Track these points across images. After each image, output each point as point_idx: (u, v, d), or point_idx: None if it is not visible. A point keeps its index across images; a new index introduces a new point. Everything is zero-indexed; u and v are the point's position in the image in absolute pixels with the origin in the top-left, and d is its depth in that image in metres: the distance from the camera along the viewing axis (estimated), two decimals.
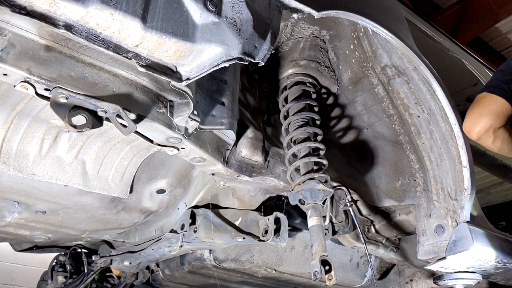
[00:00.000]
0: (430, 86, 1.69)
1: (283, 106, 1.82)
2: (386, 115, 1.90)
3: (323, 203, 1.60)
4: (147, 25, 1.09)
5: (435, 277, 2.12)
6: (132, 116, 1.24)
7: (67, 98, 1.15)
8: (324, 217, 1.62)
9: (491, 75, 2.77)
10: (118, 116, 1.20)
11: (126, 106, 1.22)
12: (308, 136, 1.70)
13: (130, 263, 2.27)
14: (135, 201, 1.84)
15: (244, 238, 1.82)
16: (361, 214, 2.02)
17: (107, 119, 1.23)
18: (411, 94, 1.75)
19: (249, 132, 1.61)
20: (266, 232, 1.79)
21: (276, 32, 1.37)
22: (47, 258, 2.81)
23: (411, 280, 2.65)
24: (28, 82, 1.11)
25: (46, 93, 1.15)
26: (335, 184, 1.82)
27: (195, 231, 1.80)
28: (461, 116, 1.70)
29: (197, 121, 1.35)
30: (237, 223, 1.87)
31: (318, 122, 1.79)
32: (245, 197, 1.85)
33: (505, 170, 3.39)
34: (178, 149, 1.44)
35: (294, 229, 2.12)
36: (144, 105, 1.26)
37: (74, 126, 1.18)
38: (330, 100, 2.01)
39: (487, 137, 1.69)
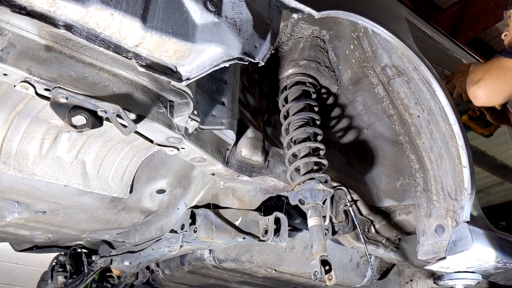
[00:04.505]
0: (430, 86, 1.68)
1: (283, 106, 1.82)
2: (386, 115, 1.90)
3: (323, 203, 1.60)
4: (147, 25, 1.09)
5: (435, 277, 2.12)
6: (132, 116, 1.24)
7: (67, 98, 1.15)
8: (324, 217, 1.62)
9: None
10: (118, 116, 1.20)
11: (126, 106, 1.22)
12: (308, 136, 1.70)
13: (130, 263, 2.26)
14: (135, 201, 1.84)
15: (244, 238, 1.82)
16: (361, 214, 2.02)
17: (107, 119, 1.23)
18: (411, 94, 1.75)
19: (249, 132, 1.61)
20: (266, 232, 1.79)
21: (276, 32, 1.37)
22: (47, 258, 2.81)
23: (411, 280, 2.65)
24: (28, 82, 1.11)
25: (46, 93, 1.14)
26: (335, 184, 1.82)
27: (195, 231, 1.80)
28: (461, 116, 1.70)
29: (197, 121, 1.35)
30: (237, 223, 1.86)
31: (318, 122, 1.79)
32: (245, 197, 1.85)
33: (505, 170, 3.39)
34: (178, 149, 1.44)
35: (294, 229, 2.12)
36: (144, 105, 1.26)
37: (74, 126, 1.18)
38: (330, 100, 2.01)
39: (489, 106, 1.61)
